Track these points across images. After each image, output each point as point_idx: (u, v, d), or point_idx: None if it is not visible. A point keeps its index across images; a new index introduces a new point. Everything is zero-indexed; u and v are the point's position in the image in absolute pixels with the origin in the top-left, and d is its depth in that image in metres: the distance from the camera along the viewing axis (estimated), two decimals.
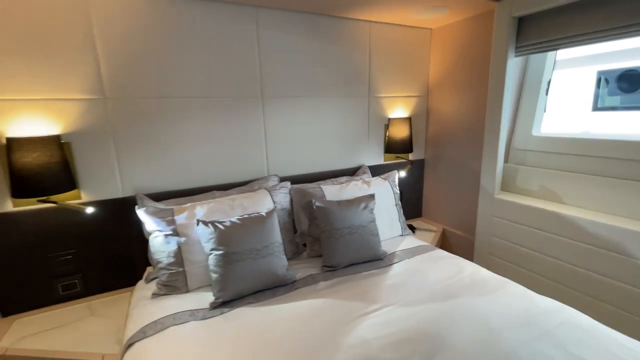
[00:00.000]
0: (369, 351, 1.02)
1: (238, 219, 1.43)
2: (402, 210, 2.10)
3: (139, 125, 1.66)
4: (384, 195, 1.97)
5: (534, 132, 2.00)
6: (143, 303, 1.39)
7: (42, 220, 1.55)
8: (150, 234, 1.50)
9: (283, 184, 1.87)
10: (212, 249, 1.36)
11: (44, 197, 1.47)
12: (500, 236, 2.04)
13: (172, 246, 1.44)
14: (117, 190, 1.67)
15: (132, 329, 1.23)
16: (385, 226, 1.90)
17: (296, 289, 1.42)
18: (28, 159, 1.39)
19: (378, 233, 1.70)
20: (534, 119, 1.99)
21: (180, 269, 1.43)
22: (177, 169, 1.78)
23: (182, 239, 1.44)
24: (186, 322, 1.22)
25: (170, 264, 1.43)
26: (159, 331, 1.18)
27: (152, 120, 1.68)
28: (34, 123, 1.47)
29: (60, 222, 1.58)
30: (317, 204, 1.65)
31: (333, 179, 2.08)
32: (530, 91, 2.00)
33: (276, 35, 1.89)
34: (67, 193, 1.53)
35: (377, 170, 2.39)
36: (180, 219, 1.48)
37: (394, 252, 1.76)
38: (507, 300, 1.28)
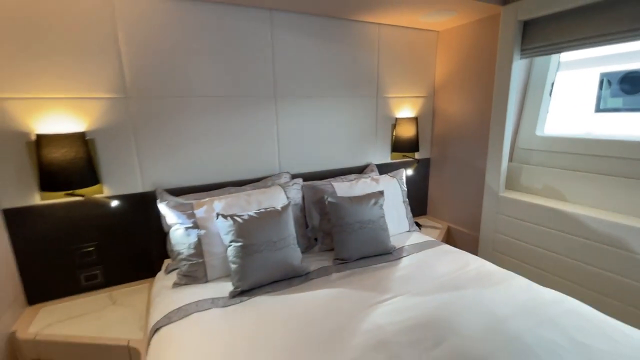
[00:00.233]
0: (383, 335, 1.09)
1: (255, 212, 1.51)
2: (409, 207, 2.17)
3: (158, 123, 1.73)
4: (392, 192, 2.04)
5: (538, 132, 2.06)
6: (165, 292, 1.46)
7: (66, 214, 1.62)
8: (170, 226, 1.58)
9: (295, 180, 1.94)
10: (231, 241, 1.43)
11: (71, 191, 1.54)
12: (504, 233, 2.10)
13: (193, 238, 1.51)
14: (137, 185, 1.74)
15: (157, 316, 1.31)
16: (393, 222, 1.97)
17: (311, 280, 1.50)
18: (57, 154, 1.46)
19: (387, 228, 1.77)
20: (538, 120, 2.05)
21: (200, 260, 1.50)
22: (194, 166, 1.85)
23: (202, 232, 1.52)
24: (208, 309, 1.29)
25: (190, 255, 1.50)
26: (183, 317, 1.25)
27: (170, 118, 1.75)
28: (61, 120, 1.55)
29: (84, 216, 1.65)
30: (329, 199, 1.72)
31: (342, 177, 2.15)
32: (535, 92, 2.06)
33: (289, 37, 1.96)
34: (90, 187, 1.60)
35: (384, 169, 2.45)
36: (200, 212, 1.55)
37: (402, 247, 1.83)
38: (511, 291, 1.35)
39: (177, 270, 1.55)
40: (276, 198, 1.73)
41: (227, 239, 1.46)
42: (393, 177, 2.15)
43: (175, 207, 1.56)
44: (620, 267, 1.58)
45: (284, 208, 1.57)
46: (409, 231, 2.09)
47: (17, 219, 1.53)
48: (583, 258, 1.72)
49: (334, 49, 2.11)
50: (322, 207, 1.83)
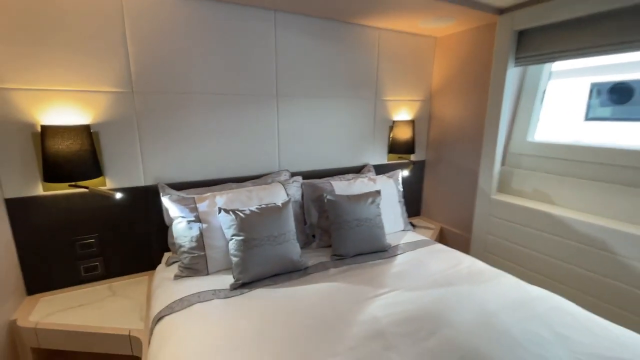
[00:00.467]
0: (379, 326, 1.14)
1: (257, 208, 1.55)
2: (404, 207, 2.23)
3: (161, 118, 1.76)
4: (389, 192, 2.10)
5: (529, 138, 2.14)
6: (166, 283, 1.50)
7: (68, 205, 1.64)
8: (173, 220, 1.61)
9: (295, 178, 1.99)
10: (233, 235, 1.47)
11: (74, 183, 1.56)
12: (495, 234, 2.18)
13: (195, 232, 1.55)
14: (139, 179, 1.76)
15: (159, 306, 1.34)
16: (389, 221, 2.03)
17: (309, 274, 1.54)
18: (62, 146, 1.48)
19: (383, 226, 1.83)
20: (529, 126, 2.14)
21: (202, 253, 1.54)
22: (196, 161, 1.88)
23: (204, 225, 1.55)
24: (210, 300, 1.33)
25: (192, 248, 1.54)
26: (185, 307, 1.29)
27: (174, 114, 1.78)
28: (66, 112, 1.57)
29: (85, 207, 1.67)
30: (328, 197, 1.77)
31: (340, 176, 2.20)
32: (527, 99, 2.14)
33: (292, 37, 2.00)
34: (93, 180, 1.62)
35: (380, 169, 2.51)
36: (202, 206, 1.58)
37: (397, 245, 1.89)
38: (501, 288, 1.42)
39: (178, 263, 1.58)
40: (276, 195, 1.77)
41: (229, 232, 1.50)
42: (390, 177, 2.21)
43: (178, 201, 1.59)
44: (601, 267, 1.66)
45: (285, 204, 1.61)
46: (403, 230, 2.15)
47: (20, 208, 1.55)
48: (568, 259, 1.80)
49: (335, 51, 2.17)
50: (321, 204, 1.88)
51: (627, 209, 1.67)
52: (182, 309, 1.28)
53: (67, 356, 1.67)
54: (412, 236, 2.05)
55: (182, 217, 1.57)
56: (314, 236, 1.92)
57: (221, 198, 1.64)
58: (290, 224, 1.59)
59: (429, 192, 2.79)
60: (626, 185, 1.68)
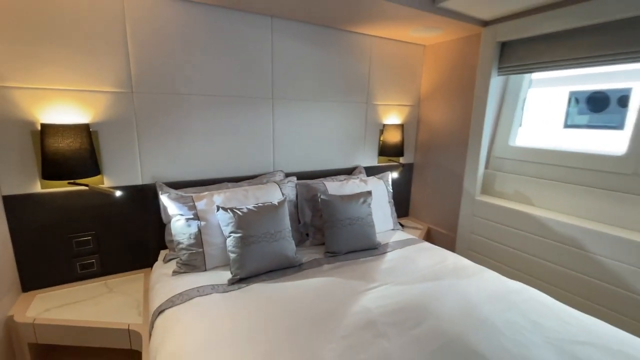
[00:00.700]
0: (371, 317, 1.22)
1: (254, 206, 1.61)
2: (394, 208, 2.33)
3: (160, 118, 1.80)
4: (379, 193, 2.19)
5: (511, 143, 2.27)
6: (165, 279, 1.54)
7: (66, 203, 1.66)
8: (171, 217, 1.65)
9: (290, 178, 2.06)
10: (231, 232, 1.53)
11: (74, 181, 1.59)
12: (479, 233, 2.30)
13: (193, 229, 1.59)
14: (137, 178, 1.80)
15: (159, 300, 1.38)
16: (379, 220, 2.12)
17: (304, 270, 1.61)
18: (62, 144, 1.51)
19: (374, 225, 1.92)
20: (511, 131, 2.27)
21: (200, 250, 1.59)
22: (193, 161, 1.93)
23: (202, 223, 1.60)
24: (209, 294, 1.38)
25: (190, 245, 1.59)
26: (185, 301, 1.34)
27: (172, 115, 1.83)
28: (65, 111, 1.59)
29: (82, 205, 1.70)
30: (322, 197, 1.85)
31: (333, 177, 2.28)
32: (509, 107, 2.28)
33: (288, 43, 2.08)
34: (91, 178, 1.65)
35: (371, 171, 2.61)
36: (200, 204, 1.63)
37: (387, 243, 1.98)
38: (483, 282, 1.52)
39: (176, 259, 1.62)
40: (272, 194, 1.83)
41: (227, 230, 1.55)
42: (380, 179, 2.31)
43: (177, 199, 1.64)
44: (574, 263, 1.79)
45: (281, 203, 1.68)
46: (393, 229, 2.25)
47: (17, 206, 1.56)
48: (544, 256, 1.93)
49: (329, 57, 2.25)
50: (315, 204, 1.95)
51: (599, 209, 1.81)
52: (183, 302, 1.33)
53: (62, 351, 1.68)
54: (401, 235, 2.15)
55: (181, 214, 1.61)
56: (307, 234, 1.99)
57: (219, 197, 1.69)
58: (286, 222, 1.65)
59: (417, 193, 2.90)
60: (598, 188, 1.81)
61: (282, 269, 1.60)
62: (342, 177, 2.29)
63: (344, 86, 2.37)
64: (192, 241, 1.59)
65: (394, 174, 2.67)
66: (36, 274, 1.67)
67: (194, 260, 1.58)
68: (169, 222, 1.70)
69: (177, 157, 1.88)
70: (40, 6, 1.46)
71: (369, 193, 1.97)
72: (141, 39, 1.68)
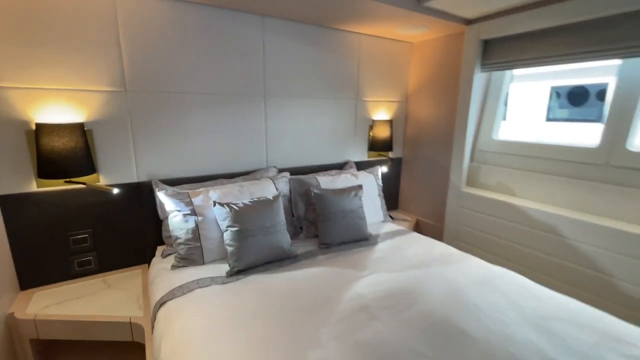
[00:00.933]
0: (364, 302, 1.30)
1: (250, 201, 1.66)
2: (384, 200, 2.41)
3: (154, 117, 1.83)
4: (370, 186, 2.27)
5: (494, 136, 2.38)
6: (164, 273, 1.58)
7: (62, 201, 1.69)
8: (168, 214, 1.69)
9: (283, 174, 2.11)
10: (228, 226, 1.58)
11: (70, 179, 1.61)
12: (465, 224, 2.40)
13: (191, 224, 1.64)
14: (132, 176, 1.83)
15: (160, 292, 1.43)
16: (370, 212, 2.20)
17: (299, 261, 1.68)
18: (57, 143, 1.53)
19: (365, 217, 1.99)
20: (494, 125, 2.37)
21: (198, 244, 1.64)
22: (187, 158, 1.96)
23: (200, 218, 1.65)
24: (209, 285, 1.44)
25: (188, 240, 1.63)
26: (186, 293, 1.39)
27: (166, 113, 1.86)
28: (60, 111, 1.61)
29: (79, 204, 1.72)
30: (315, 191, 1.91)
31: (324, 172, 2.35)
32: (492, 102, 2.38)
33: (279, 41, 2.12)
34: (87, 177, 1.67)
35: (361, 166, 2.68)
36: (197, 200, 1.68)
37: (377, 234, 2.06)
38: (468, 268, 1.62)
39: (174, 254, 1.67)
40: (266, 189, 1.89)
41: (224, 224, 1.60)
42: (370, 173, 2.38)
43: (173, 196, 1.67)
44: (553, 249, 1.91)
45: (275, 198, 1.74)
46: (383, 221, 2.34)
47: (13, 205, 1.58)
48: (525, 242, 2.05)
49: (319, 55, 2.30)
50: (308, 198, 2.02)
51: (575, 198, 1.93)
52: (183, 294, 1.38)
53: (64, 347, 1.71)
54: (391, 226, 2.24)
55: (178, 210, 1.65)
56: (301, 228, 2.06)
57: (214, 193, 1.74)
58: (281, 216, 1.71)
59: (406, 186, 3.00)
60: (574, 178, 1.93)
61: (279, 260, 1.66)
62: (334, 171, 2.36)
63: (334, 83, 2.43)
64: (189, 236, 1.63)
65: (384, 168, 2.75)
66: (34, 272, 1.69)
67: (192, 254, 1.63)
68: (166, 218, 1.74)
69: (172, 154, 1.92)
70: (33, 7, 1.47)
71: (360, 187, 2.05)
72: (133, 38, 1.70)
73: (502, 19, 2.03)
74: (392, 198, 3.01)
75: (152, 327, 1.35)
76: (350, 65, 2.47)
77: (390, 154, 2.88)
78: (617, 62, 1.74)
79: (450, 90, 2.44)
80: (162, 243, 1.89)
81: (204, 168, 2.02)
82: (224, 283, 1.47)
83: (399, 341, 1.08)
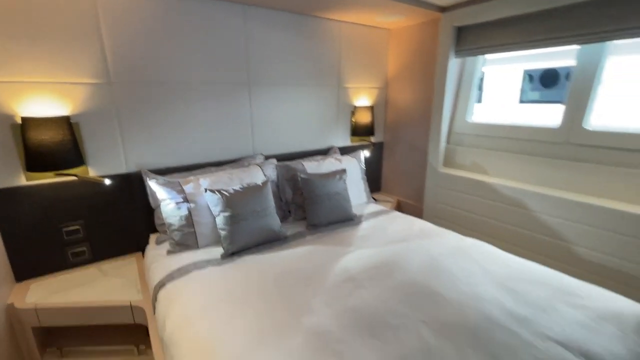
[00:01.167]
0: (351, 273, 1.43)
1: (240, 187, 1.74)
2: (367, 183, 2.54)
3: (140, 108, 1.86)
4: (353, 170, 2.38)
5: (468, 119, 2.52)
6: (160, 259, 1.66)
7: (52, 194, 1.71)
8: (160, 202, 1.75)
9: (270, 160, 2.19)
10: (220, 211, 1.66)
11: (63, 172, 1.63)
12: (443, 202, 2.57)
13: (183, 211, 1.71)
14: (121, 166, 1.86)
15: (159, 276, 1.51)
16: (354, 195, 2.32)
17: (289, 242, 1.79)
18: (45, 137, 1.55)
19: (350, 199, 2.12)
20: (468, 108, 2.52)
21: (191, 230, 1.71)
22: (175, 148, 2.00)
23: (192, 205, 1.72)
24: (205, 267, 1.53)
25: (182, 226, 1.70)
26: (184, 274, 1.48)
27: (151, 103, 1.88)
28: (45, 104, 1.62)
29: (69, 196, 1.75)
30: (302, 176, 2.01)
31: (310, 157, 2.44)
32: (466, 86, 2.51)
33: (261, 30, 2.16)
34: (76, 169, 1.69)
35: (344, 151, 2.78)
36: (188, 188, 1.74)
37: (361, 214, 2.19)
38: (444, 241, 1.77)
39: (169, 241, 1.74)
40: (255, 176, 1.97)
41: (216, 210, 1.68)
42: (353, 157, 2.49)
43: (165, 185, 1.73)
44: (519, 221, 2.10)
45: (264, 183, 1.82)
46: (367, 202, 2.47)
47: (2, 199, 1.59)
48: (496, 216, 2.23)
49: (301, 43, 2.35)
50: (295, 183, 2.11)
51: (539, 174, 2.11)
52: (181, 276, 1.46)
53: (65, 333, 1.77)
54: (374, 207, 2.37)
55: (170, 198, 1.71)
56: (289, 211, 2.16)
57: (205, 180, 1.80)
58: (270, 200, 1.81)
59: (387, 169, 3.13)
60: (539, 156, 2.10)
61: (270, 241, 1.76)
62: (319, 157, 2.45)
63: (316, 71, 2.49)
64: (183, 222, 1.70)
65: (366, 153, 2.86)
66: (28, 264, 1.72)
67: (187, 239, 1.71)
68: (158, 206, 1.80)
69: (160, 144, 1.95)
70: (11, 0, 1.45)
71: (344, 170, 2.16)
72: (115, 30, 1.71)
73: (474, 6, 2.13)
74: (375, 181, 3.15)
75: (154, 308, 1.43)
76: (331, 53, 2.53)
77: (372, 139, 3.00)
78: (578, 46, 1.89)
79: (427, 76, 2.56)
80: (154, 231, 1.95)
81: (192, 157, 2.07)
82: (219, 264, 1.56)
83: (382, 304, 1.22)
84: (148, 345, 1.68)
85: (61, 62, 1.61)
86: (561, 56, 2.22)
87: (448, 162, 2.63)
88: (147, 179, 1.78)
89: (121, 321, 1.58)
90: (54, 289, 1.66)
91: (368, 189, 2.53)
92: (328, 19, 2.43)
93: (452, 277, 1.42)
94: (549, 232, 1.98)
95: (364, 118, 2.72)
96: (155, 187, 1.73)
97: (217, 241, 1.75)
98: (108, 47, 1.70)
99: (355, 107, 2.78)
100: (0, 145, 1.55)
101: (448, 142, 2.63)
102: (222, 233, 1.65)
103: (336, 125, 2.74)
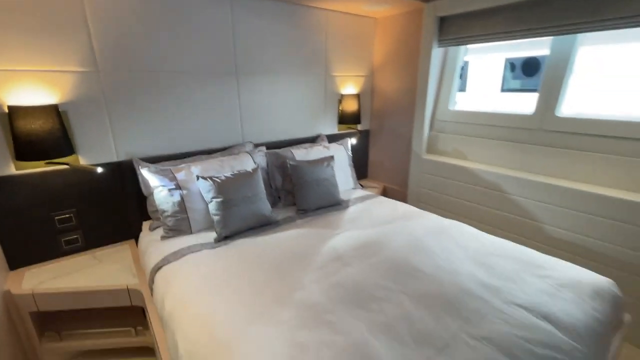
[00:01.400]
0: (338, 253, 1.53)
1: (231, 174, 1.80)
2: (354, 170, 2.63)
3: (128, 96, 1.87)
4: (340, 157, 2.47)
5: (450, 107, 2.63)
6: (155, 244, 1.71)
7: (43, 182, 1.72)
8: (153, 189, 1.79)
9: (260, 148, 2.24)
10: (212, 198, 1.72)
11: (52, 160, 1.64)
12: (426, 187, 2.69)
13: (176, 198, 1.76)
14: (111, 155, 1.88)
15: (155, 260, 1.57)
16: (341, 181, 2.41)
17: (280, 225, 1.87)
18: (34, 125, 1.55)
19: (337, 185, 2.20)
20: (450, 97, 2.61)
21: (184, 216, 1.77)
22: (165, 136, 2.03)
23: (184, 192, 1.77)
24: (200, 250, 1.60)
25: (175, 212, 1.76)
26: (179, 258, 1.54)
27: (141, 92, 1.89)
28: (32, 93, 1.61)
29: (61, 184, 1.77)
30: (291, 163, 2.07)
31: (298, 145, 2.50)
32: (448, 75, 2.60)
33: (248, 19, 2.17)
34: (66, 157, 1.70)
35: (332, 138, 2.85)
36: (180, 175, 1.79)
37: (349, 199, 2.29)
38: (426, 222, 1.89)
39: (163, 227, 1.79)
40: (245, 163, 2.02)
41: (208, 196, 1.74)
42: (340, 144, 2.57)
43: (157, 172, 1.77)
44: (496, 203, 2.24)
45: (255, 170, 1.88)
46: (354, 188, 2.57)
47: None
48: (476, 200, 2.36)
49: (288, 32, 2.38)
50: (284, 170, 2.18)
51: (514, 159, 2.24)
52: (178, 259, 1.53)
53: (64, 317, 1.81)
54: (360, 192, 2.47)
55: (163, 186, 1.76)
56: (279, 197, 2.23)
57: (196, 168, 1.85)
58: (261, 186, 1.87)
59: (374, 156, 3.23)
60: (514, 142, 2.23)
61: (261, 226, 1.84)
62: (307, 144, 2.52)
63: (303, 59, 2.53)
64: (176, 208, 1.76)
65: (353, 140, 2.94)
66: (22, 252, 1.74)
67: (180, 225, 1.76)
68: (151, 194, 1.84)
69: (150, 133, 1.97)
70: None
71: (332, 157, 2.24)
72: (101, 17, 1.70)
73: None
74: (361, 168, 3.24)
75: (152, 290, 1.50)
76: (318, 42, 2.57)
77: (359, 127, 3.07)
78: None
79: (411, 65, 2.63)
80: (147, 218, 1.99)
81: (182, 145, 2.10)
82: (213, 247, 1.63)
83: (367, 279, 1.32)
84: (145, 326, 1.75)
85: (48, 50, 1.60)
86: (540, 45, 2.31)
87: (431, 148, 2.74)
88: (139, 167, 1.81)
89: (118, 304, 1.64)
90: (49, 275, 1.70)
91: (355, 175, 2.62)
92: (315, 7, 2.46)
93: (432, 254, 1.53)
94: (522, 213, 2.13)
95: (351, 106, 2.79)
96: (148, 174, 1.76)
97: (209, 226, 1.82)
98: (94, 35, 1.70)
99: (342, 96, 2.84)
100: None
101: (431, 129, 2.74)
102: (215, 218, 1.71)
103: (324, 114, 2.80)
